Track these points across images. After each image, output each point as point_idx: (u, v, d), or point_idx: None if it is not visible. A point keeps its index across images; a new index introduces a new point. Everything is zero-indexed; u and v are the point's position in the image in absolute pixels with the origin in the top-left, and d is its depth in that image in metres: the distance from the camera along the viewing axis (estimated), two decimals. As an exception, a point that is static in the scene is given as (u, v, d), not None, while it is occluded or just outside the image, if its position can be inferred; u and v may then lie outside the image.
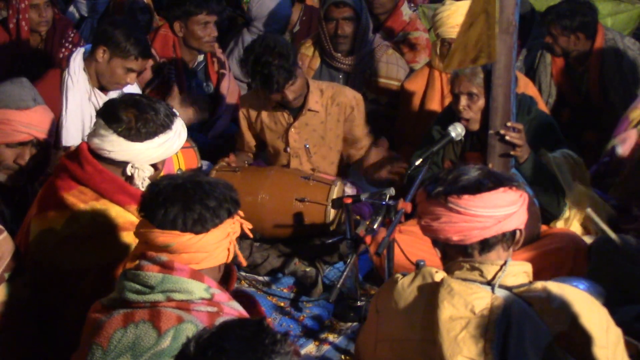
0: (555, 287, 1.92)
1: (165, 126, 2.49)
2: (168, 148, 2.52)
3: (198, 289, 1.91)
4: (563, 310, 1.86)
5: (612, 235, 2.90)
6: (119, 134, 2.43)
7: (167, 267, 1.91)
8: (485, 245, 1.94)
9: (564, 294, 1.89)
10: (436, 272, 1.98)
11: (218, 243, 1.97)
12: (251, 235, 2.13)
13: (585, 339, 1.84)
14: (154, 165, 2.54)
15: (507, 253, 1.97)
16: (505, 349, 1.82)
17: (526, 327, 1.83)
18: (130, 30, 3.46)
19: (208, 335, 1.43)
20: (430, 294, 1.93)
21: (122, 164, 2.49)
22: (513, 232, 1.97)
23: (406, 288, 1.99)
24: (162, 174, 2.62)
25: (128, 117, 2.44)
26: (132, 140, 2.44)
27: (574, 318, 1.86)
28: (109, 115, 2.46)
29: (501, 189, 1.91)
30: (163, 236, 1.91)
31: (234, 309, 1.97)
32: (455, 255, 1.98)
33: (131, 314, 1.88)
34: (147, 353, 1.82)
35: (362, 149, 3.90)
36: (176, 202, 1.92)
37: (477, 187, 1.91)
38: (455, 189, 1.92)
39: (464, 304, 1.86)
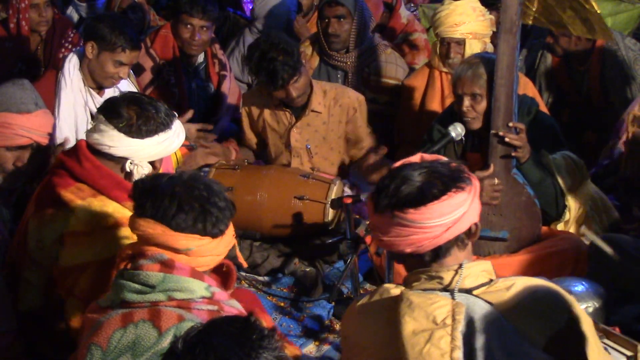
0: (515, 281, 1.86)
1: (166, 125, 2.51)
2: (167, 146, 2.54)
3: (199, 288, 1.91)
4: (524, 303, 1.81)
5: (609, 250, 2.88)
6: (120, 129, 2.45)
7: (167, 266, 1.90)
8: (440, 252, 1.86)
9: (524, 286, 1.84)
10: (393, 287, 1.92)
11: (228, 245, 2.00)
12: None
13: (551, 326, 1.79)
14: (152, 164, 2.55)
15: (465, 252, 1.90)
16: (472, 355, 1.77)
17: (490, 328, 1.78)
18: (115, 23, 3.43)
19: (196, 333, 1.44)
20: (389, 310, 1.87)
21: (121, 160, 2.51)
22: (468, 229, 1.88)
23: (366, 309, 1.93)
24: (161, 172, 2.63)
25: (129, 114, 2.46)
26: (133, 136, 2.46)
27: (537, 308, 1.81)
28: (110, 111, 2.48)
29: (445, 197, 1.80)
30: (185, 239, 1.92)
31: (234, 308, 1.97)
32: (414, 263, 1.91)
33: (130, 314, 1.88)
34: (148, 352, 1.82)
35: (364, 148, 3.90)
36: (194, 205, 1.92)
37: (420, 199, 1.80)
38: (399, 203, 1.81)
39: (425, 316, 1.79)
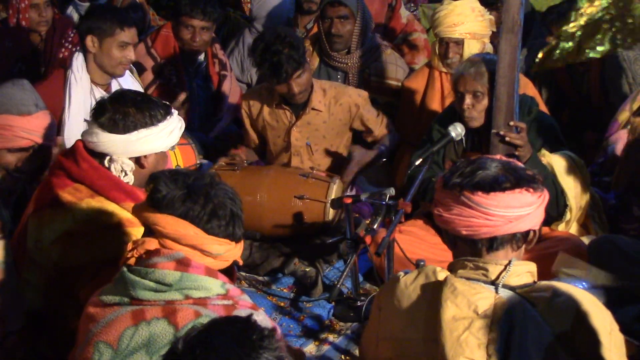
0: (560, 287, 1.90)
1: (148, 122, 2.47)
2: (149, 143, 2.49)
3: (215, 286, 1.92)
4: (567, 311, 1.85)
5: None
6: (100, 124, 2.46)
7: (183, 265, 1.89)
8: (494, 243, 1.92)
9: (569, 295, 1.88)
10: (439, 270, 1.96)
11: (241, 249, 2.02)
12: None
13: (588, 340, 1.83)
14: (139, 163, 2.52)
15: (517, 253, 1.94)
16: (508, 351, 1.81)
17: (529, 328, 1.82)
18: (103, 10, 3.51)
19: (196, 334, 1.43)
20: (433, 292, 1.92)
21: (103, 156, 2.49)
22: (526, 233, 1.94)
23: (408, 286, 1.98)
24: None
25: (110, 109, 2.46)
26: (110, 131, 2.45)
27: (577, 319, 1.84)
28: (97, 109, 2.49)
29: (517, 190, 1.87)
30: (218, 244, 1.93)
31: (247, 302, 1.99)
32: (464, 248, 1.96)
33: (141, 312, 1.86)
34: (164, 349, 1.78)
35: (377, 136, 3.92)
36: (226, 210, 1.94)
37: (491, 186, 1.88)
38: (470, 184, 1.89)
39: (467, 304, 1.85)
